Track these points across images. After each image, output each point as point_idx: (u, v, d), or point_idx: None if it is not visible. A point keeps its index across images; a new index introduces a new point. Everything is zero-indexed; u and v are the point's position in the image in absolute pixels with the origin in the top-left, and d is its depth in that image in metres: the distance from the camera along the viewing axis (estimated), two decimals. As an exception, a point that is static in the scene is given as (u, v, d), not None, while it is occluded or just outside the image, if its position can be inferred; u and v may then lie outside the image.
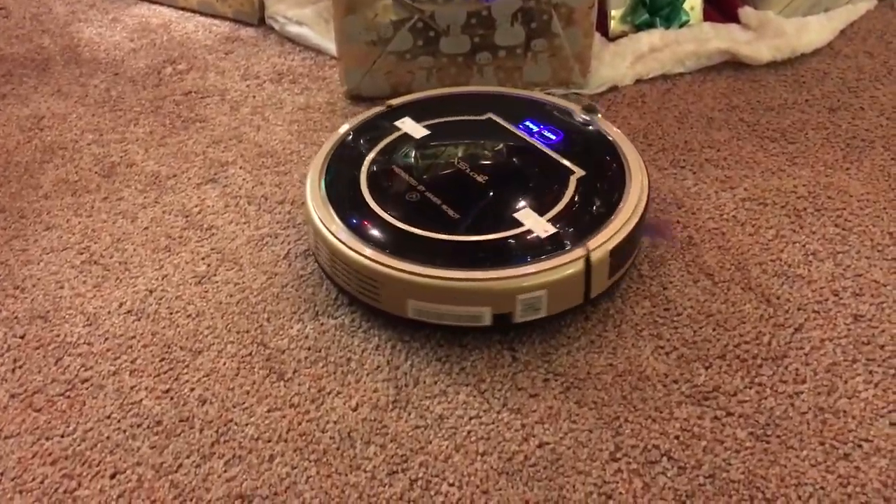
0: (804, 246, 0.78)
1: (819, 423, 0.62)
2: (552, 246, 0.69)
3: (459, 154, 0.79)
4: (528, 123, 0.82)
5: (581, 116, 0.83)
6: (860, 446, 0.61)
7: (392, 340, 0.70)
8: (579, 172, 0.75)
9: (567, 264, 0.67)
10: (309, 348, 0.70)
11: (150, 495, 0.59)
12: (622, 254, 0.71)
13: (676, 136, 0.93)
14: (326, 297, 0.75)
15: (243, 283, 0.76)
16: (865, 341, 0.68)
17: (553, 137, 0.80)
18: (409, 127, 0.83)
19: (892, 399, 0.64)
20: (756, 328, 0.70)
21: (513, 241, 0.69)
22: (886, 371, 0.66)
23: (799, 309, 0.71)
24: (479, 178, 0.76)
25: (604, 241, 0.69)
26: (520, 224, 0.70)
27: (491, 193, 0.74)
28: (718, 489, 0.58)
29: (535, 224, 0.71)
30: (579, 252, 0.68)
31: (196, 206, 0.86)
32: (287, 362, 0.69)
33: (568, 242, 0.69)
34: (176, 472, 0.61)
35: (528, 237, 0.70)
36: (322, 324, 0.72)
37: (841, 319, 0.70)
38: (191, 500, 0.59)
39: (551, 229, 0.70)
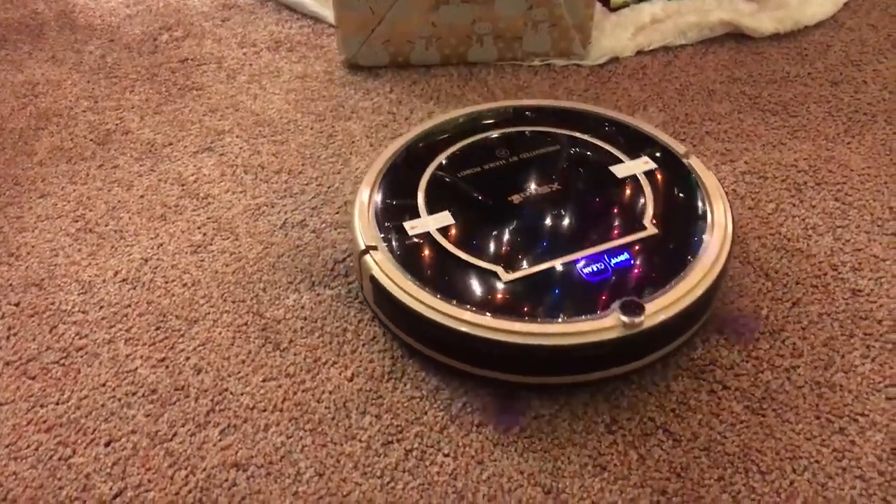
0: (804, 220, 0.77)
1: (815, 397, 0.62)
2: None
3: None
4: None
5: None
6: (856, 420, 0.61)
7: (388, 311, 0.70)
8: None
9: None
10: (305, 318, 0.70)
11: (144, 463, 0.59)
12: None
13: (677, 108, 0.92)
14: (323, 267, 0.74)
15: (239, 252, 0.76)
16: (863, 316, 0.68)
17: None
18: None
19: (888, 374, 0.64)
20: (754, 302, 0.70)
21: None
22: (884, 346, 0.66)
23: (797, 283, 0.71)
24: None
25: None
26: None
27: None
28: (713, 462, 0.58)
29: None
30: None
31: (192, 174, 0.85)
32: (283, 332, 0.69)
33: None
34: (171, 440, 0.61)
35: None
36: (318, 294, 0.72)
37: (839, 294, 0.70)
38: (185, 467, 0.59)
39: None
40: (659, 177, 0.73)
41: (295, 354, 0.67)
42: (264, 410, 0.63)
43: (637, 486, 0.57)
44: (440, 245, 0.67)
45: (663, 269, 0.64)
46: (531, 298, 0.62)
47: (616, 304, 0.60)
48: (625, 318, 0.59)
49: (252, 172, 0.85)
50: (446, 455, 0.60)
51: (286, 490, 0.58)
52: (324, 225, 0.79)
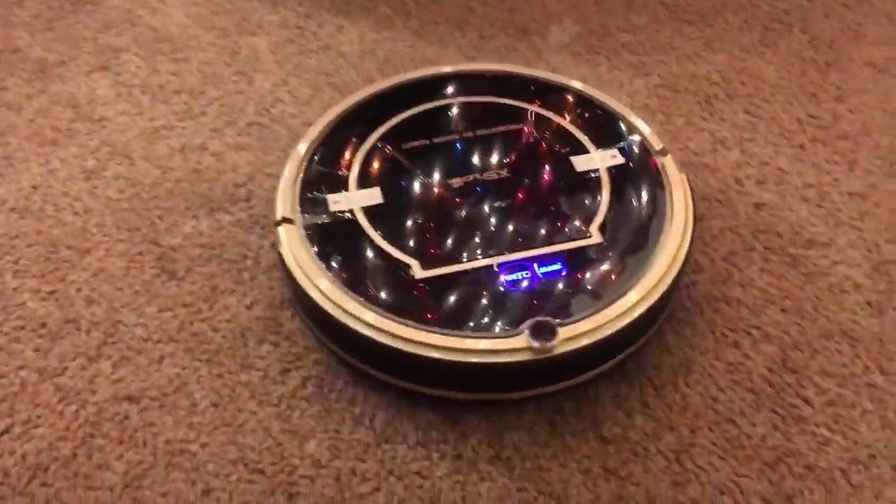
0: (713, 134, 0.77)
1: (712, 311, 0.63)
2: None
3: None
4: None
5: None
6: (750, 334, 0.61)
7: (289, 236, 0.68)
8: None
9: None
10: (203, 246, 0.68)
11: (33, 399, 0.58)
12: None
13: (593, 20, 0.90)
14: (223, 192, 0.72)
15: (135, 178, 0.73)
16: (764, 230, 0.68)
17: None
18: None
19: (784, 287, 0.64)
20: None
21: None
22: (782, 259, 0.66)
23: (702, 199, 0.71)
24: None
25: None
26: None
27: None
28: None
29: None
30: None
31: (86, 95, 0.81)
32: (179, 261, 0.67)
33: None
34: (61, 374, 0.59)
35: None
36: (217, 220, 0.70)
37: (742, 208, 0.70)
38: (76, 402, 0.58)
39: None
40: (623, 176, 0.64)
41: (192, 283, 0.65)
42: (159, 342, 0.61)
43: (532, 403, 0.58)
44: (359, 227, 0.61)
45: (596, 286, 0.57)
46: (440, 303, 0.56)
47: (526, 325, 0.54)
48: (534, 342, 0.53)
49: (150, 93, 0.81)
50: (346, 382, 0.59)
51: (181, 421, 0.57)
52: (225, 148, 0.76)
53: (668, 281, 0.57)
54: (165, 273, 0.66)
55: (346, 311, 0.55)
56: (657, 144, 0.66)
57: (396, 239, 0.60)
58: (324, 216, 0.62)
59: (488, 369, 0.53)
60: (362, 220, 0.61)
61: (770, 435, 0.56)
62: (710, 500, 0.52)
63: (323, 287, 0.57)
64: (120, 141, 0.76)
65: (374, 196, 0.63)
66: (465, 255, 0.59)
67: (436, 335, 0.54)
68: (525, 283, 0.57)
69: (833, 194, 0.71)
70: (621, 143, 0.67)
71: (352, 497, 0.53)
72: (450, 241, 0.60)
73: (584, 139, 0.67)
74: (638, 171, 0.65)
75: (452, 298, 0.56)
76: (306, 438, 0.56)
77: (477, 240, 0.60)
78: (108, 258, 0.67)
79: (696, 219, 0.61)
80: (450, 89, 0.73)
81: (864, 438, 0.55)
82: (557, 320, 0.54)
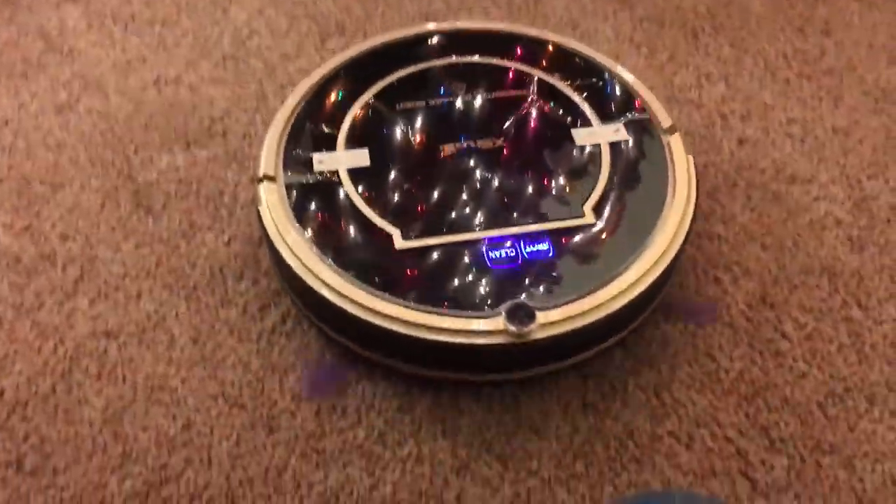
0: (697, 68, 0.76)
1: (694, 248, 0.63)
2: None
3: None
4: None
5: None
6: (731, 270, 0.61)
7: (268, 171, 0.67)
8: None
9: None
10: (179, 181, 0.66)
11: (10, 335, 0.57)
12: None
13: (578, -51, 0.88)
14: (198, 126, 0.70)
15: (108, 111, 0.71)
16: (748, 165, 0.68)
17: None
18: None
19: (766, 223, 0.64)
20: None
21: None
22: (764, 195, 0.66)
23: (686, 134, 0.70)
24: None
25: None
26: None
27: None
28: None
29: None
30: None
31: (56, 26, 0.79)
32: (155, 196, 0.65)
33: None
34: (38, 310, 0.59)
35: None
36: (193, 155, 0.68)
37: (726, 144, 0.70)
38: (53, 338, 0.57)
39: None
40: (625, 152, 0.60)
41: (168, 219, 0.64)
42: (136, 278, 0.61)
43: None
44: (343, 189, 0.57)
45: (583, 271, 0.53)
46: (419, 277, 0.53)
47: (504, 307, 0.51)
48: (510, 326, 0.50)
49: (122, 23, 0.79)
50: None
51: (160, 357, 0.57)
52: (200, 81, 0.74)
53: (657, 272, 0.53)
54: (142, 209, 0.65)
55: (317, 278, 0.52)
56: (665, 121, 0.62)
57: (380, 205, 0.56)
58: (307, 175, 0.58)
59: (461, 349, 0.50)
60: (346, 182, 0.58)
61: (747, 369, 0.56)
62: (687, 434, 0.53)
63: (298, 251, 0.53)
64: (92, 73, 0.74)
65: (361, 158, 0.59)
66: (449, 227, 0.55)
67: (410, 310, 0.51)
68: (509, 262, 0.53)
69: (817, 130, 0.71)
70: (626, 118, 0.62)
71: (332, 430, 0.53)
72: (434, 212, 0.56)
73: (588, 111, 0.63)
74: (641, 149, 0.60)
75: (431, 272, 0.53)
76: (286, 373, 0.56)
77: (463, 212, 0.56)
78: (83, 193, 0.65)
79: (697, 206, 0.57)
80: (449, 47, 0.68)
81: (841, 372, 0.56)
82: (538, 304, 0.51)
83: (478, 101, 0.64)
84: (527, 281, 0.52)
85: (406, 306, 0.51)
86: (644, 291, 0.52)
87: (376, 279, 0.52)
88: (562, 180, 0.58)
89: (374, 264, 0.53)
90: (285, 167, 0.59)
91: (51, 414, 0.54)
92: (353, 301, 0.51)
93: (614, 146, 0.60)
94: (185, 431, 0.53)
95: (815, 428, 0.53)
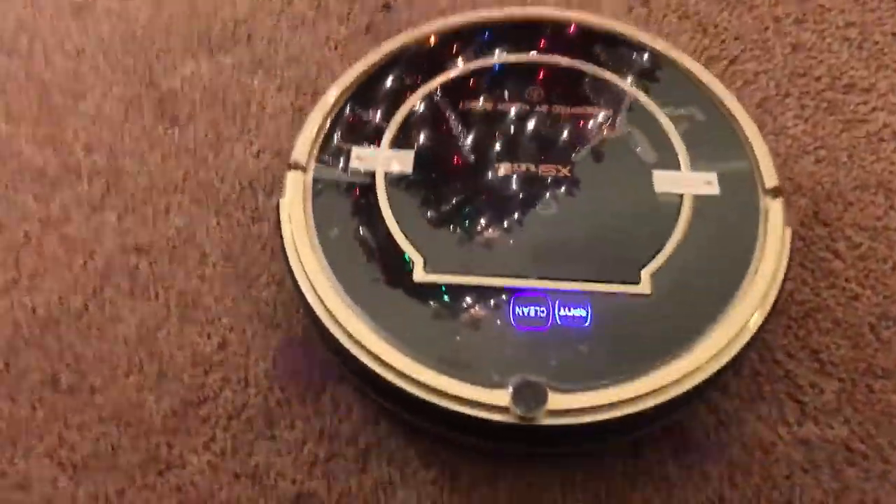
0: (750, -33, 0.71)
1: (743, 161, 0.60)
2: None
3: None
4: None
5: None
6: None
7: (296, 80, 0.64)
8: None
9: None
10: (204, 89, 0.64)
11: (38, 251, 0.56)
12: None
13: None
14: (222, 30, 0.67)
15: (127, 14, 0.68)
16: (801, 73, 0.64)
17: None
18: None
19: (819, 135, 0.61)
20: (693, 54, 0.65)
21: None
22: (818, 105, 0.63)
23: (736, 39, 0.66)
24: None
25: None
26: None
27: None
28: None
29: None
30: None
31: (67, -79, 0.74)
32: (181, 105, 0.63)
33: None
34: (65, 224, 0.57)
35: None
36: (218, 62, 0.65)
37: (779, 49, 0.66)
38: (83, 253, 0.56)
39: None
40: (710, 212, 0.49)
41: (195, 130, 0.62)
42: (164, 191, 0.59)
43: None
44: (374, 196, 0.50)
45: (621, 352, 0.44)
46: (429, 321, 0.45)
47: (513, 381, 0.43)
48: (514, 406, 0.42)
49: (137, -82, 0.74)
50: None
51: (191, 274, 0.55)
52: (222, -20, 0.70)
53: (705, 373, 0.43)
54: (166, 118, 0.62)
55: (322, 303, 0.46)
56: (769, 179, 0.50)
57: (409, 225, 0.49)
58: (340, 172, 0.51)
59: (458, 418, 0.43)
60: (380, 189, 0.50)
61: (798, 290, 0.54)
62: (733, 355, 0.52)
63: (309, 268, 0.47)
64: (108, -27, 0.70)
65: (404, 161, 0.51)
66: (479, 266, 0.47)
67: (411, 361, 0.43)
68: (537, 324, 0.45)
69: (876, 34, 0.67)
70: (723, 166, 0.51)
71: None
72: (467, 244, 0.48)
73: (681, 149, 0.52)
74: (731, 212, 0.49)
75: (445, 318, 0.46)
76: (322, 292, 0.54)
77: (500, 251, 0.48)
78: (105, 102, 0.63)
79: (781, 292, 0.46)
80: (537, 40, 0.58)
81: (895, 293, 0.54)
82: (555, 382, 0.43)
83: (553, 115, 0.54)
84: (551, 351, 0.44)
85: (407, 354, 0.44)
86: (685, 393, 0.43)
87: (385, 313, 0.45)
88: (624, 234, 0.48)
89: (387, 295, 0.46)
90: (319, 157, 0.52)
91: (84, 332, 0.53)
92: (350, 336, 0.45)
93: (699, 201, 0.49)
94: (220, 351, 0.52)
95: (867, 351, 0.52)
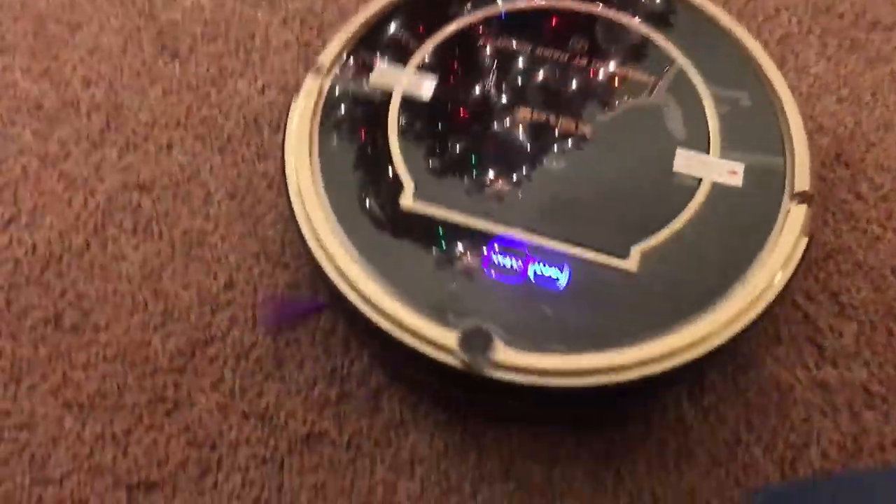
0: None
1: (763, 100, 0.58)
2: None
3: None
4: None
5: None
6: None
7: (301, 13, 0.62)
8: None
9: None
10: (206, 22, 0.61)
11: (37, 187, 0.54)
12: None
13: None
14: (223, -40, 0.64)
15: (124, -57, 0.65)
16: (824, 9, 0.62)
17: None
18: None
19: (842, 73, 0.59)
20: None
21: None
22: (841, 43, 0.61)
23: (757, -27, 0.64)
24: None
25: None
26: None
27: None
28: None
29: None
30: None
31: None
32: (181, 38, 0.61)
33: None
34: (64, 161, 0.55)
35: None
36: (220, -8, 0.63)
37: (801, -15, 0.64)
38: (83, 190, 0.54)
39: None
40: (727, 204, 0.45)
41: (196, 64, 0.60)
42: (166, 127, 0.57)
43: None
44: (384, 114, 0.48)
45: (585, 325, 0.41)
46: (404, 250, 0.44)
47: (465, 325, 0.41)
48: (459, 351, 0.40)
49: None
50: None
51: (196, 212, 0.54)
52: None
53: (660, 368, 0.40)
54: (167, 52, 0.60)
55: (303, 204, 0.44)
56: (802, 181, 0.46)
57: (412, 150, 0.47)
58: (358, 83, 0.49)
59: (407, 351, 0.41)
60: (393, 109, 0.48)
61: (819, 231, 0.53)
62: (751, 297, 0.51)
63: (303, 184, 0.45)
64: None
65: (425, 87, 0.49)
66: (469, 204, 0.45)
67: (374, 287, 0.42)
68: (511, 276, 0.43)
69: (902, -30, 0.64)
70: (754, 157, 0.47)
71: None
72: (463, 181, 0.46)
73: (715, 131, 0.48)
74: (748, 208, 0.45)
75: (422, 248, 0.44)
76: (330, 231, 0.53)
77: (495, 194, 0.46)
78: (103, 34, 0.61)
79: (771, 305, 0.42)
80: None
81: (918, 235, 0.53)
82: (509, 337, 0.40)
83: (586, 70, 0.50)
84: (516, 305, 0.42)
85: (375, 280, 0.42)
86: (627, 382, 0.40)
87: (364, 234, 0.44)
88: (626, 206, 0.45)
89: (371, 216, 0.45)
90: (343, 65, 0.50)
91: (87, 270, 0.51)
92: (324, 251, 0.43)
93: (717, 189, 0.45)
94: (227, 290, 0.51)
95: (888, 294, 0.51)
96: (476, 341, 0.40)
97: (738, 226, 0.45)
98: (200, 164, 0.55)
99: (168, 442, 0.47)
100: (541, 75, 0.50)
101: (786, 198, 0.45)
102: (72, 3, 0.62)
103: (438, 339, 0.40)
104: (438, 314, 0.41)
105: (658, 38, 0.52)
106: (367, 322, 0.42)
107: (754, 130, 0.48)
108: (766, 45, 0.60)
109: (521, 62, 0.51)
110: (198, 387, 0.48)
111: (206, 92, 0.58)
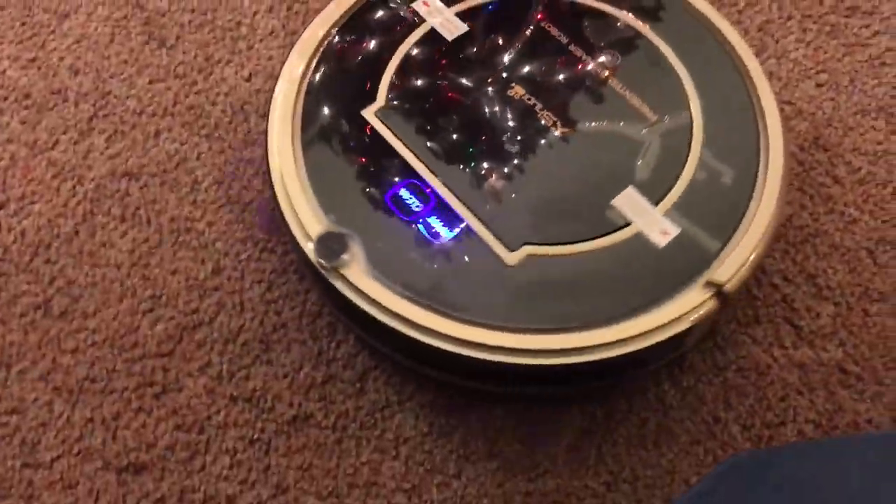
0: None
1: (743, 86, 0.59)
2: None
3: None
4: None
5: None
6: (781, 110, 0.58)
7: (287, 1, 0.62)
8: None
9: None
10: (192, 10, 0.62)
11: (25, 174, 0.55)
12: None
13: None
14: (209, -52, 0.65)
15: (110, -68, 0.65)
16: (804, -4, 0.63)
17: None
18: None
19: (821, 59, 0.60)
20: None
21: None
22: (821, 28, 0.61)
23: (738, -40, 0.64)
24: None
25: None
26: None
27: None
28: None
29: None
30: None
31: None
32: (168, 27, 0.61)
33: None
34: (52, 149, 0.56)
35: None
36: (206, -19, 0.63)
37: (782, -28, 0.64)
38: (72, 178, 0.55)
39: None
40: (635, 258, 0.45)
41: (184, 52, 0.60)
42: (153, 115, 0.57)
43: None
44: (403, 37, 0.51)
45: (445, 284, 0.44)
46: (339, 153, 0.48)
47: (319, 230, 0.44)
48: (316, 254, 0.44)
49: None
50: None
51: (184, 199, 0.54)
52: None
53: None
54: (154, 40, 0.60)
55: (287, 195, 0.46)
56: (725, 273, 0.43)
57: (406, 77, 0.50)
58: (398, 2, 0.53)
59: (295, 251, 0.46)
60: (411, 37, 0.51)
61: (797, 214, 0.54)
62: (730, 279, 0.51)
63: (281, 156, 0.48)
64: None
65: (451, 29, 0.52)
66: (415, 143, 0.48)
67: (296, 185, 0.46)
68: (410, 210, 0.46)
69: (881, -44, 0.65)
70: (693, 231, 0.45)
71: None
72: (429, 124, 0.48)
73: (677, 190, 0.46)
74: (656, 271, 0.44)
75: (350, 154, 0.48)
76: (316, 216, 0.54)
77: (443, 146, 0.48)
78: (90, 23, 0.61)
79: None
80: None
81: (894, 217, 0.54)
82: (373, 263, 0.44)
83: (584, 68, 0.51)
84: (395, 242, 0.45)
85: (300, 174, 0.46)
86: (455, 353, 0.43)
87: (332, 138, 0.48)
88: (545, 211, 0.46)
89: (330, 120, 0.49)
90: (326, 49, 0.52)
91: (76, 256, 0.52)
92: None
93: (637, 239, 0.45)
94: (215, 276, 0.52)
95: (864, 275, 0.52)
96: (332, 244, 0.44)
97: (631, 280, 0.44)
98: (188, 151, 0.56)
99: (156, 425, 0.47)
100: (539, 60, 0.51)
101: (701, 285, 0.43)
102: (59, -8, 0.62)
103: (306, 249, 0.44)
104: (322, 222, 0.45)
105: (682, 72, 0.50)
106: (352, 305, 0.43)
107: (714, 209, 0.46)
108: (745, 31, 0.61)
109: (540, 40, 0.52)
110: (186, 371, 0.49)
111: (193, 80, 0.59)
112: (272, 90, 0.51)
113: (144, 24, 0.61)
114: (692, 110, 0.49)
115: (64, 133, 0.56)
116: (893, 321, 0.50)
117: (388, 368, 0.49)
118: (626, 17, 0.53)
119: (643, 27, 0.52)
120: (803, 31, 0.61)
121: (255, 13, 0.62)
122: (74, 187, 0.54)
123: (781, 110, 0.57)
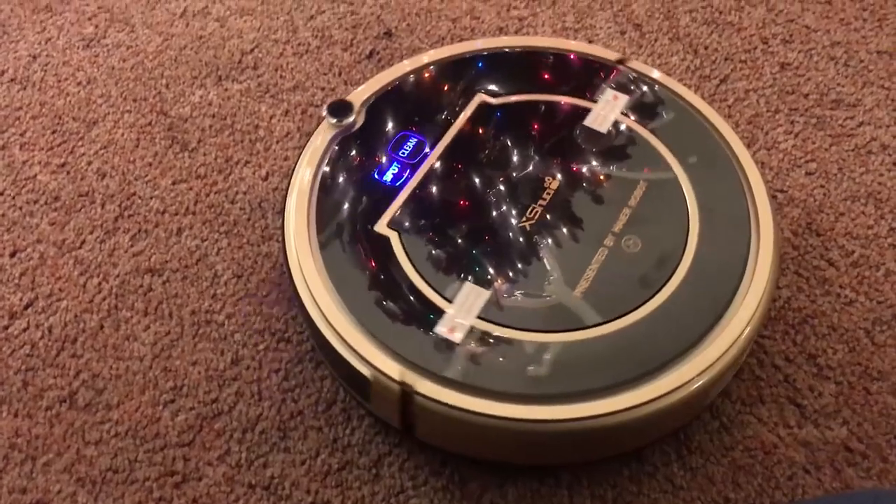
0: (737, -10, 0.74)
1: (736, 175, 0.62)
2: None
3: None
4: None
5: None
6: (774, 197, 0.61)
7: (302, 105, 0.66)
8: None
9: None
10: (213, 116, 0.66)
11: (53, 272, 0.57)
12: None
13: None
14: (229, 59, 0.69)
15: (136, 45, 0.70)
16: (790, 90, 0.67)
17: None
18: None
19: (810, 149, 0.63)
20: (682, 80, 0.67)
21: None
22: (808, 120, 0.65)
23: (726, 59, 0.69)
24: None
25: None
26: None
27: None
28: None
29: None
30: None
31: (77, -42, 0.77)
32: (190, 131, 0.65)
33: None
34: (79, 248, 0.59)
35: None
36: (226, 89, 0.67)
37: (767, 68, 0.68)
38: (97, 275, 0.57)
39: None
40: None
41: (205, 154, 0.64)
42: (176, 214, 0.60)
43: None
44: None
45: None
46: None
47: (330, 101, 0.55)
48: (329, 116, 0.55)
49: (144, -46, 0.77)
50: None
51: (204, 293, 0.57)
52: (228, 13, 0.72)
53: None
54: (177, 144, 0.64)
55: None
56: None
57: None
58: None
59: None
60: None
61: (794, 297, 0.56)
62: (733, 361, 0.53)
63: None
64: (117, 6, 0.73)
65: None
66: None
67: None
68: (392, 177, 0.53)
69: (861, 53, 0.69)
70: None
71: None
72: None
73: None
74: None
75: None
76: (331, 307, 0.56)
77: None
78: (117, 130, 0.65)
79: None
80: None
81: (889, 298, 0.56)
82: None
83: (611, 201, 0.53)
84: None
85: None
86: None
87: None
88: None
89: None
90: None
91: (100, 350, 0.54)
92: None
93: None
94: (233, 366, 0.53)
95: (863, 355, 0.53)
96: (340, 108, 0.55)
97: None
98: (208, 247, 0.59)
99: (177, 514, 0.48)
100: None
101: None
102: (88, 100, 0.66)
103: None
104: None
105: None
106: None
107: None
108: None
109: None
110: (205, 460, 0.50)
111: (214, 180, 0.62)
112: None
113: (168, 129, 0.65)
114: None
115: (91, 233, 0.59)
116: (894, 399, 0.52)
117: (402, 454, 0.50)
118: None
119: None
120: (791, 124, 0.65)
121: (271, 117, 0.65)
122: (100, 284, 0.57)
123: (774, 197, 0.60)
